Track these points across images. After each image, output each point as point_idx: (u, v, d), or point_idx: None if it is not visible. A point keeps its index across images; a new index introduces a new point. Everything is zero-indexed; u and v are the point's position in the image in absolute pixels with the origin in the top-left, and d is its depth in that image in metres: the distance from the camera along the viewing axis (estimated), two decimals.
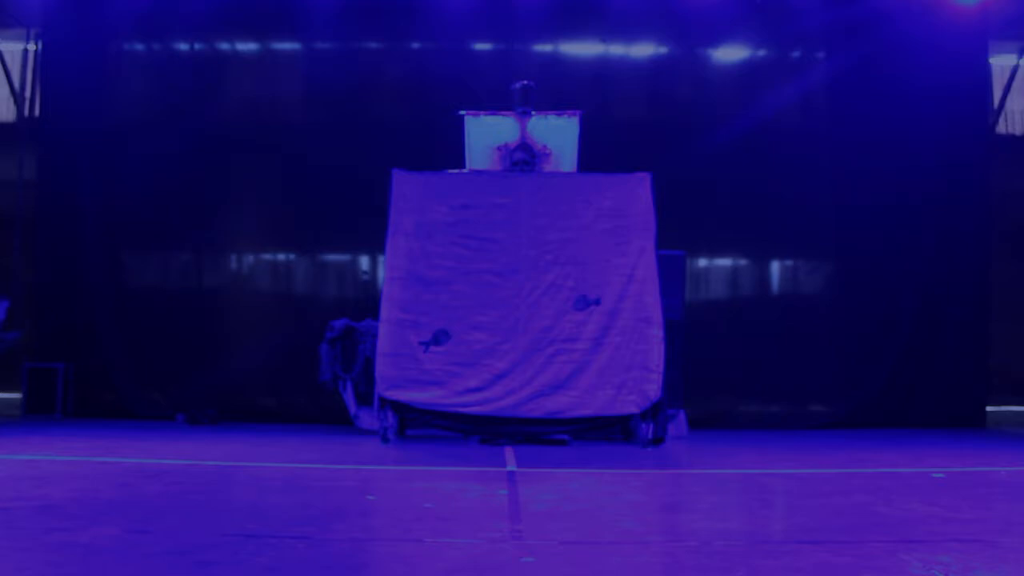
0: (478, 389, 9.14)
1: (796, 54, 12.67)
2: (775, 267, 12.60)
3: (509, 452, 8.43)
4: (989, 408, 12.27)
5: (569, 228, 9.34)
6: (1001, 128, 13.08)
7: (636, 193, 9.37)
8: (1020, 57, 12.88)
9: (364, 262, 12.40)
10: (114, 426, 10.34)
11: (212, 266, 12.38)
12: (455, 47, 12.23)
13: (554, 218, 9.36)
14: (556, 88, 11.25)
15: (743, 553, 4.21)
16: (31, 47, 12.79)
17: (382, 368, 9.22)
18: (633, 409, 9.12)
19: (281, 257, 12.64)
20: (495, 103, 10.36)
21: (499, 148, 10.10)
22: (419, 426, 9.64)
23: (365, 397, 10.26)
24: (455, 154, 10.16)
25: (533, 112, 10.12)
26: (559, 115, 10.22)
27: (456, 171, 9.91)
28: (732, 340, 11.89)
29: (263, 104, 12.34)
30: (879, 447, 9.56)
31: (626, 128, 12.07)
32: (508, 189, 9.50)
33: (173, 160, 11.89)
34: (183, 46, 12.52)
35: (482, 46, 12.57)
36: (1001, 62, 13.00)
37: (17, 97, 12.87)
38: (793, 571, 3.87)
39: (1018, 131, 13.29)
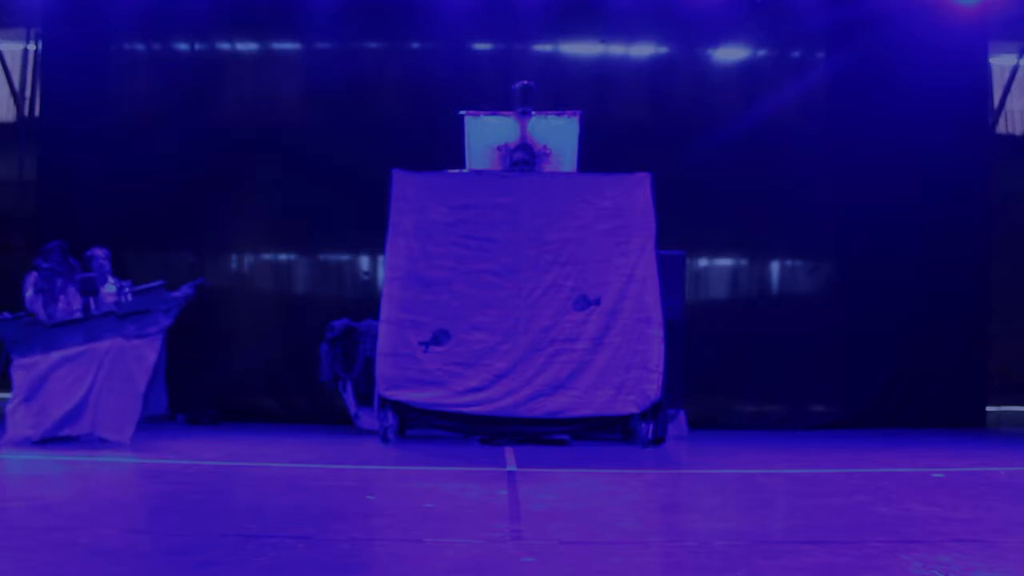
0: (478, 389, 9.13)
1: (796, 54, 12.67)
2: (775, 267, 12.60)
3: (509, 452, 8.43)
4: (989, 408, 12.27)
5: (569, 228, 9.33)
6: (1001, 128, 13.08)
7: (636, 193, 9.37)
8: (1020, 57, 12.88)
9: (364, 262, 12.39)
10: None
11: (212, 266, 12.37)
12: (455, 47, 12.24)
13: (554, 218, 9.35)
14: (556, 88, 11.24)
15: (743, 553, 4.21)
16: (31, 47, 12.79)
17: (382, 368, 9.22)
18: (633, 409, 9.11)
19: (281, 257, 12.63)
20: (495, 103, 10.35)
21: (499, 148, 10.09)
22: (419, 426, 9.63)
23: (365, 397, 10.25)
24: (455, 154, 10.16)
25: (533, 112, 10.11)
26: (559, 115, 10.21)
27: (456, 171, 9.90)
28: (732, 340, 11.90)
29: (263, 104, 12.34)
30: (879, 447, 9.56)
31: (626, 128, 12.06)
32: (508, 189, 9.50)
33: (173, 160, 11.88)
34: (183, 46, 12.52)
35: (482, 46, 12.57)
36: (1001, 62, 13.00)
37: (17, 97, 12.86)
38: (793, 571, 3.87)
39: (1018, 131, 13.29)
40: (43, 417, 8.42)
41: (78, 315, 8.80)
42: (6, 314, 8.67)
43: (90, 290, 8.91)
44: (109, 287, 9.27)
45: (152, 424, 9.44)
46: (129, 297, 8.87)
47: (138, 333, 8.77)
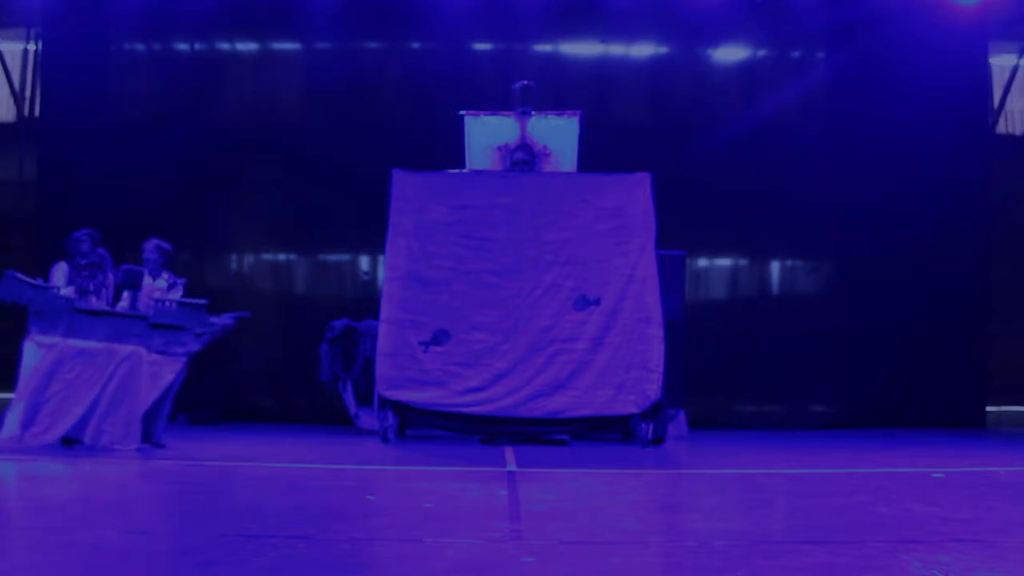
0: (478, 389, 9.13)
1: (796, 54, 12.68)
2: (775, 267, 12.60)
3: (509, 452, 8.43)
4: (989, 408, 12.28)
5: (569, 228, 9.33)
6: (1001, 128, 13.08)
7: (636, 193, 9.37)
8: (1020, 57, 12.88)
9: (364, 262, 12.40)
10: None
11: (212, 266, 12.38)
12: (455, 47, 12.25)
13: (554, 218, 9.35)
14: (556, 88, 11.25)
15: (743, 553, 4.21)
16: (31, 47, 12.79)
17: (382, 368, 9.22)
18: (633, 409, 9.11)
19: (281, 257, 12.64)
20: (495, 103, 10.36)
21: (499, 148, 10.09)
22: (419, 426, 9.63)
23: (365, 397, 10.25)
24: (455, 154, 10.16)
25: (533, 112, 10.11)
26: (559, 115, 10.21)
27: (456, 171, 9.91)
28: (732, 340, 11.91)
29: (263, 104, 12.36)
30: (879, 447, 9.56)
31: (626, 128, 12.07)
32: (508, 189, 9.50)
33: (173, 160, 11.88)
34: (183, 46, 12.54)
35: (482, 46, 12.58)
36: (1001, 62, 13.01)
37: (17, 97, 12.86)
38: (793, 571, 3.87)
39: (1018, 131, 13.29)
40: (46, 422, 7.90)
41: (121, 307, 8.30)
42: (39, 280, 8.20)
43: (131, 284, 8.37)
44: (160, 282, 8.72)
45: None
46: (175, 304, 8.29)
47: (162, 349, 8.19)
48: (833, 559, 4.05)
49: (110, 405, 8.00)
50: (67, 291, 8.24)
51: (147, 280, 8.60)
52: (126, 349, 8.05)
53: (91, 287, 8.32)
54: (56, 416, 7.93)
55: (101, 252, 8.46)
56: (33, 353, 8.00)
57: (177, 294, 8.65)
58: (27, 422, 7.89)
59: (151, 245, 8.82)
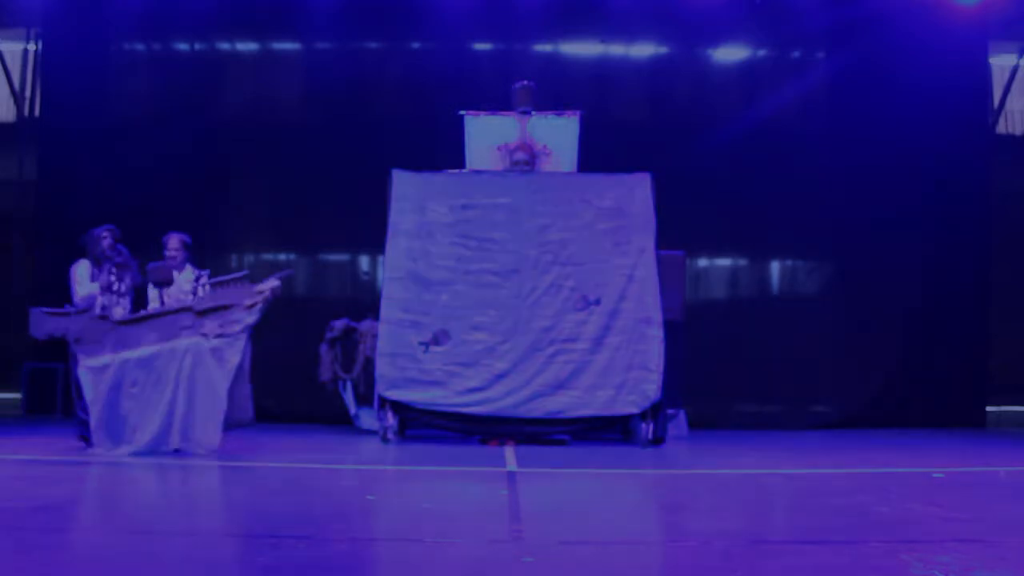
0: (478, 389, 9.14)
1: (796, 54, 12.68)
2: (775, 267, 12.60)
3: (509, 452, 8.43)
4: (989, 408, 12.27)
5: (569, 228, 9.34)
6: (1001, 128, 13.09)
7: (636, 193, 9.38)
8: (1020, 57, 12.89)
9: (364, 262, 12.40)
10: None
11: (212, 266, 12.28)
12: (455, 47, 12.25)
13: (554, 218, 9.36)
14: (556, 88, 11.24)
15: (743, 553, 4.21)
16: (31, 47, 12.80)
17: (382, 368, 9.23)
18: (633, 409, 9.12)
19: (281, 257, 12.63)
20: (495, 103, 10.35)
21: (499, 148, 10.09)
22: (419, 426, 9.63)
23: (365, 397, 10.25)
24: (455, 154, 10.16)
25: (533, 112, 10.11)
26: (559, 115, 10.21)
27: (456, 171, 9.91)
28: (732, 340, 11.89)
29: (263, 104, 12.36)
30: (879, 447, 9.56)
31: (626, 128, 12.07)
32: (508, 189, 9.51)
33: (173, 160, 11.87)
34: (183, 46, 12.54)
35: (482, 46, 12.58)
36: (1001, 62, 13.02)
37: (17, 97, 12.87)
38: (793, 571, 3.87)
39: (1018, 131, 13.30)
40: (128, 435, 7.69)
41: (154, 308, 8.04)
42: (68, 307, 7.93)
43: (163, 280, 8.15)
44: (187, 274, 8.46)
45: (236, 431, 8.26)
46: (207, 289, 7.97)
47: (219, 332, 7.85)
48: (833, 559, 4.05)
49: (187, 406, 7.77)
50: (92, 288, 8.07)
51: (174, 274, 8.43)
52: (183, 344, 7.78)
53: (120, 286, 8.12)
54: (137, 430, 7.74)
55: (121, 249, 8.28)
56: (89, 379, 7.74)
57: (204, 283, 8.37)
58: (114, 440, 7.71)
59: (175, 240, 8.60)
